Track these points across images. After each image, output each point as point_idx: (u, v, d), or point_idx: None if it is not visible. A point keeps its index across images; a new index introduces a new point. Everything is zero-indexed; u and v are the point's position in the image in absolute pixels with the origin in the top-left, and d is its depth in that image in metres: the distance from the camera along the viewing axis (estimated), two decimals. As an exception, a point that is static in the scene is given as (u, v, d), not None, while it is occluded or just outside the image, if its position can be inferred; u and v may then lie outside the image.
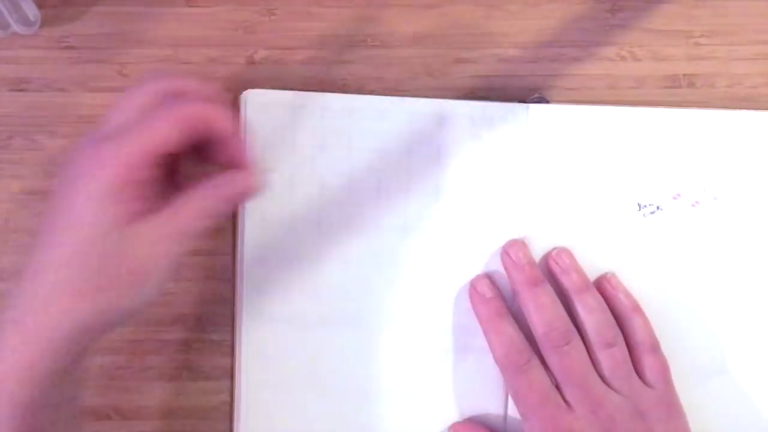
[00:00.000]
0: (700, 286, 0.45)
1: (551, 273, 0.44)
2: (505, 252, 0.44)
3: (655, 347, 0.43)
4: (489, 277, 0.44)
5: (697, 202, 0.44)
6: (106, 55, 0.45)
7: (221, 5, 0.45)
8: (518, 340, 0.42)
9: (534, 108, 0.44)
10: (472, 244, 0.45)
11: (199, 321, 0.46)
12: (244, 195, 0.40)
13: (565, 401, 0.41)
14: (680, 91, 0.46)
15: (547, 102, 0.45)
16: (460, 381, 0.45)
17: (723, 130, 0.44)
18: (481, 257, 0.45)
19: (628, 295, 0.44)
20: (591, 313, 0.42)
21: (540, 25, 0.46)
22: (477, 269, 0.45)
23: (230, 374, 0.46)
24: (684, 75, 0.46)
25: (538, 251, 0.44)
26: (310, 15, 0.45)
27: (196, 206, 0.37)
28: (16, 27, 0.44)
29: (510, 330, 0.42)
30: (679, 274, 0.45)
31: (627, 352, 0.42)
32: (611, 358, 0.42)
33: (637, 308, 0.43)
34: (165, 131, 0.36)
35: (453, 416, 0.45)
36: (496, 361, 0.43)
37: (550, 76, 0.46)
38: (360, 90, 0.45)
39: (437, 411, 0.45)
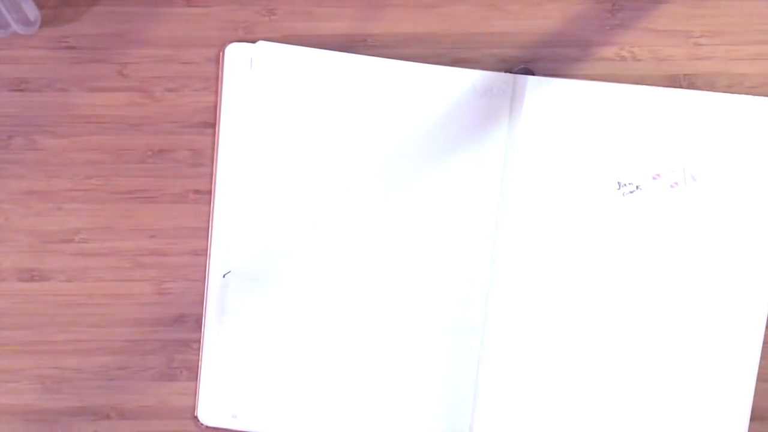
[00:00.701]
0: (676, 266, 0.45)
1: None
2: None
3: None
4: None
5: (675, 183, 0.44)
6: (106, 55, 0.45)
7: (221, 5, 0.45)
8: None
9: (519, 78, 0.44)
10: (455, 216, 0.45)
11: (199, 321, 0.46)
12: None
13: None
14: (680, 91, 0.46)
15: (533, 73, 0.45)
16: (441, 358, 0.46)
17: (705, 112, 0.45)
18: (464, 229, 0.45)
19: None
20: None
21: (540, 25, 0.45)
22: (461, 242, 0.45)
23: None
24: (684, 75, 0.46)
25: (517, 222, 0.45)
26: (311, 15, 0.45)
27: None
28: (16, 27, 0.44)
29: None
30: (656, 253, 0.45)
31: None
32: None
33: None
34: None
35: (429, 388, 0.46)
36: None
37: (550, 76, 0.46)
38: (360, 90, 0.46)
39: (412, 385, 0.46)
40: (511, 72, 0.45)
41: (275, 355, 0.45)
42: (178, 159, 0.45)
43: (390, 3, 0.45)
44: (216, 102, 0.45)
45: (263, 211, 0.45)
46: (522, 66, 0.45)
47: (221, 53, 0.44)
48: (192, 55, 0.45)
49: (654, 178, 0.44)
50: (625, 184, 0.44)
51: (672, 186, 0.44)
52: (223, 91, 0.44)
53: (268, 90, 0.44)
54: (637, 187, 0.44)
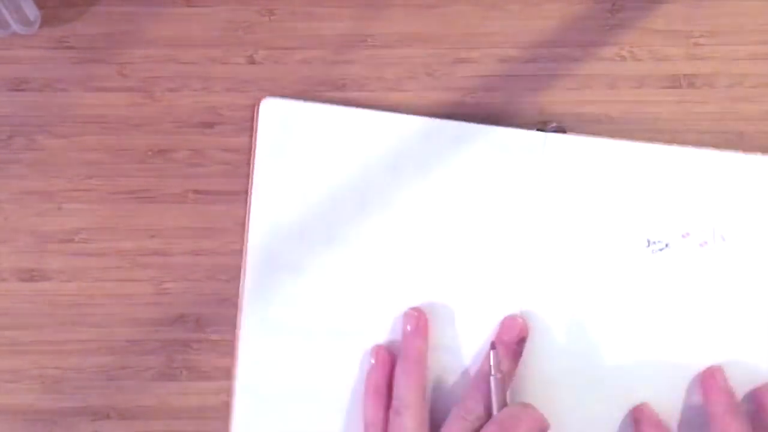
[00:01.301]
0: (705, 325, 0.44)
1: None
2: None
3: None
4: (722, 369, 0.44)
5: (705, 242, 0.44)
6: (106, 55, 0.45)
7: (221, 5, 0.45)
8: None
9: (551, 137, 0.44)
10: (481, 266, 0.45)
11: (199, 321, 0.46)
12: None
13: None
14: (680, 91, 0.46)
15: (565, 132, 0.45)
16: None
17: (735, 172, 0.44)
18: (488, 277, 0.45)
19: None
20: None
21: (540, 25, 0.45)
22: (484, 288, 0.45)
23: (230, 374, 0.46)
24: (684, 75, 0.46)
25: (546, 279, 0.44)
26: (310, 15, 0.45)
27: None
28: (15, 27, 0.44)
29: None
30: (685, 312, 0.44)
31: None
32: None
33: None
34: None
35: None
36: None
37: (550, 76, 0.46)
38: (360, 90, 0.45)
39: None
40: (544, 131, 0.45)
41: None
42: (178, 159, 0.45)
43: (390, 3, 0.45)
44: (250, 149, 0.45)
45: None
46: (554, 125, 0.45)
47: (256, 108, 0.44)
48: (192, 55, 0.45)
49: (683, 237, 0.44)
50: (654, 242, 0.44)
51: (701, 245, 0.44)
52: (257, 148, 0.44)
53: (299, 148, 0.44)
54: (666, 245, 0.44)
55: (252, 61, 0.45)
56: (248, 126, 0.45)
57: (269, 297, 0.45)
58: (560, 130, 0.45)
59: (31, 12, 0.44)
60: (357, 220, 0.45)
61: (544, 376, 0.45)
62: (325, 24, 0.45)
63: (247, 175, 0.45)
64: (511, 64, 0.45)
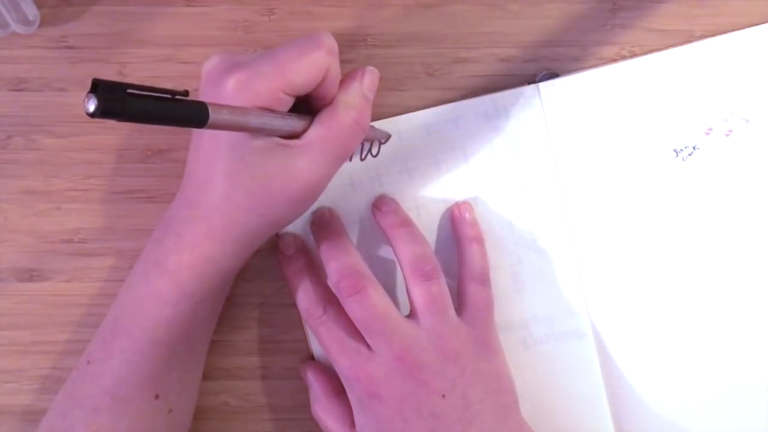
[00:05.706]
0: (750, 220, 0.44)
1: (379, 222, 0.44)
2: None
3: (483, 279, 0.42)
4: (293, 236, 0.44)
5: (730, 131, 0.44)
6: (106, 54, 0.45)
7: (221, 5, 0.45)
8: (314, 293, 0.42)
9: (544, 86, 0.44)
10: (518, 232, 0.45)
11: (199, 321, 0.46)
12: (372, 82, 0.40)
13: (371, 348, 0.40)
14: (680, 91, 0.46)
15: (558, 75, 0.45)
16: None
17: (734, 52, 0.44)
18: (526, 243, 0.45)
19: (472, 224, 0.44)
20: (404, 248, 0.41)
21: (540, 24, 0.45)
22: (518, 254, 0.45)
23: (230, 374, 0.46)
24: (684, 75, 0.46)
25: (587, 220, 0.45)
26: (310, 15, 0.45)
27: (332, 125, 0.38)
28: (15, 27, 0.44)
29: (308, 285, 0.42)
30: (729, 207, 0.44)
31: (446, 288, 0.41)
32: (426, 294, 0.40)
33: (476, 238, 0.43)
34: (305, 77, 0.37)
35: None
36: (302, 316, 0.44)
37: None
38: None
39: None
40: (535, 81, 0.45)
41: None
42: (178, 159, 0.45)
43: (390, 2, 0.45)
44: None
45: None
46: (545, 72, 0.44)
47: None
48: (192, 55, 0.45)
49: (707, 134, 0.44)
50: (681, 149, 0.44)
51: (727, 135, 0.44)
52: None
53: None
54: (694, 148, 0.44)
55: (252, 61, 0.45)
56: (248, 126, 0.45)
57: None
58: (552, 75, 0.45)
59: (31, 11, 0.44)
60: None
61: (618, 318, 0.45)
62: (325, 24, 0.45)
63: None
64: (511, 64, 0.45)
